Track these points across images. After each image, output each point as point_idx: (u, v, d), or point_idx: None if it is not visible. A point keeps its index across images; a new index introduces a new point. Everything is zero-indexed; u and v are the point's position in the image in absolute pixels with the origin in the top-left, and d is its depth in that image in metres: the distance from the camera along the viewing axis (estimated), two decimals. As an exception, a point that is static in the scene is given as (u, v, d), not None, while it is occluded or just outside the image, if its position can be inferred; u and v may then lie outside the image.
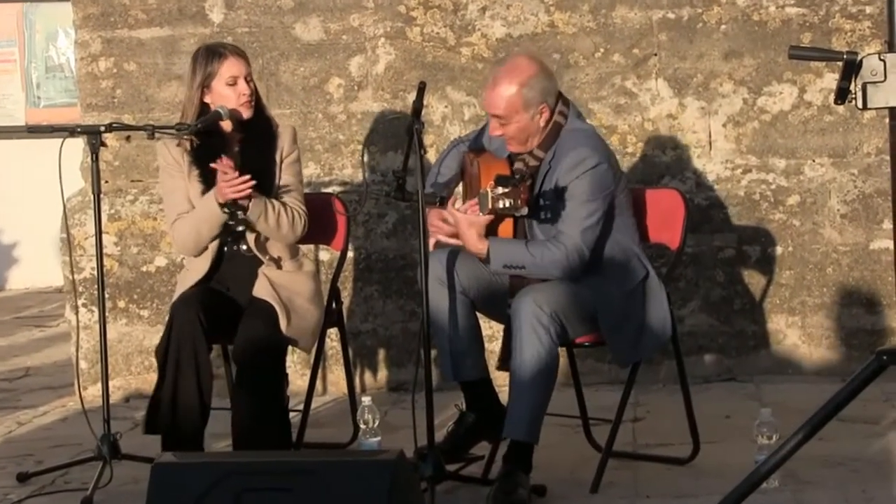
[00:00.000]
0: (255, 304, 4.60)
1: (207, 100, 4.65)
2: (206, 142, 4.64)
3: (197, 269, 4.71)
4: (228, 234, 4.68)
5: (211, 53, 4.67)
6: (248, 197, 4.52)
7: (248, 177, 4.48)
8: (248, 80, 4.67)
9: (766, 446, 4.22)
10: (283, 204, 4.65)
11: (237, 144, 4.68)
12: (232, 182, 4.48)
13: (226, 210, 4.56)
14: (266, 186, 4.64)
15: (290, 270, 4.72)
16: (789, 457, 3.59)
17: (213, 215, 4.59)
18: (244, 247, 4.70)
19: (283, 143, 4.73)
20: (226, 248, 4.71)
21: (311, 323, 4.70)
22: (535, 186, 4.35)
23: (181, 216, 4.68)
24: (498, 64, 4.56)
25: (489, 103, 4.40)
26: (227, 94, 4.63)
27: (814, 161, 5.80)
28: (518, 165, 4.42)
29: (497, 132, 4.41)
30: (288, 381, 4.62)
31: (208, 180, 4.61)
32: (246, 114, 4.66)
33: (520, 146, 4.43)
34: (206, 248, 4.69)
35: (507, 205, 4.09)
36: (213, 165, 4.52)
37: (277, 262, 4.69)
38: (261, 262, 4.68)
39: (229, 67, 4.63)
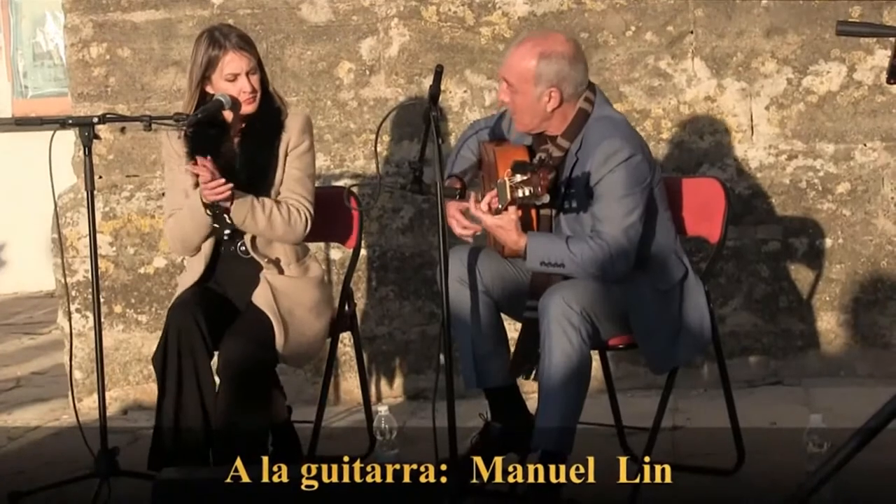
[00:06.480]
0: (250, 315, 4.58)
1: (209, 89, 4.65)
2: (203, 132, 4.62)
3: (193, 269, 4.71)
4: (224, 234, 4.68)
5: (212, 43, 4.62)
6: (230, 199, 4.51)
7: (223, 180, 4.45)
8: (251, 73, 4.63)
9: (816, 455, 4.22)
10: (278, 202, 4.63)
11: (237, 136, 4.67)
12: (209, 184, 4.47)
13: (209, 212, 4.56)
14: (263, 183, 4.62)
15: (295, 276, 4.69)
16: (841, 467, 3.59)
17: (198, 215, 4.59)
18: (242, 248, 4.69)
19: (290, 134, 4.70)
20: (222, 249, 4.71)
21: (310, 338, 4.67)
22: (561, 179, 4.35)
23: (175, 213, 4.69)
24: (533, 30, 4.52)
25: (505, 65, 4.42)
26: (228, 89, 4.61)
27: (865, 146, 5.79)
28: (540, 156, 4.41)
29: (504, 97, 4.43)
30: (284, 395, 4.62)
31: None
32: (247, 109, 4.65)
33: (524, 126, 4.44)
34: (198, 249, 4.69)
35: (528, 193, 4.08)
36: (187, 168, 4.53)
37: (278, 265, 4.67)
38: (260, 265, 4.68)
39: (229, 63, 4.59)
